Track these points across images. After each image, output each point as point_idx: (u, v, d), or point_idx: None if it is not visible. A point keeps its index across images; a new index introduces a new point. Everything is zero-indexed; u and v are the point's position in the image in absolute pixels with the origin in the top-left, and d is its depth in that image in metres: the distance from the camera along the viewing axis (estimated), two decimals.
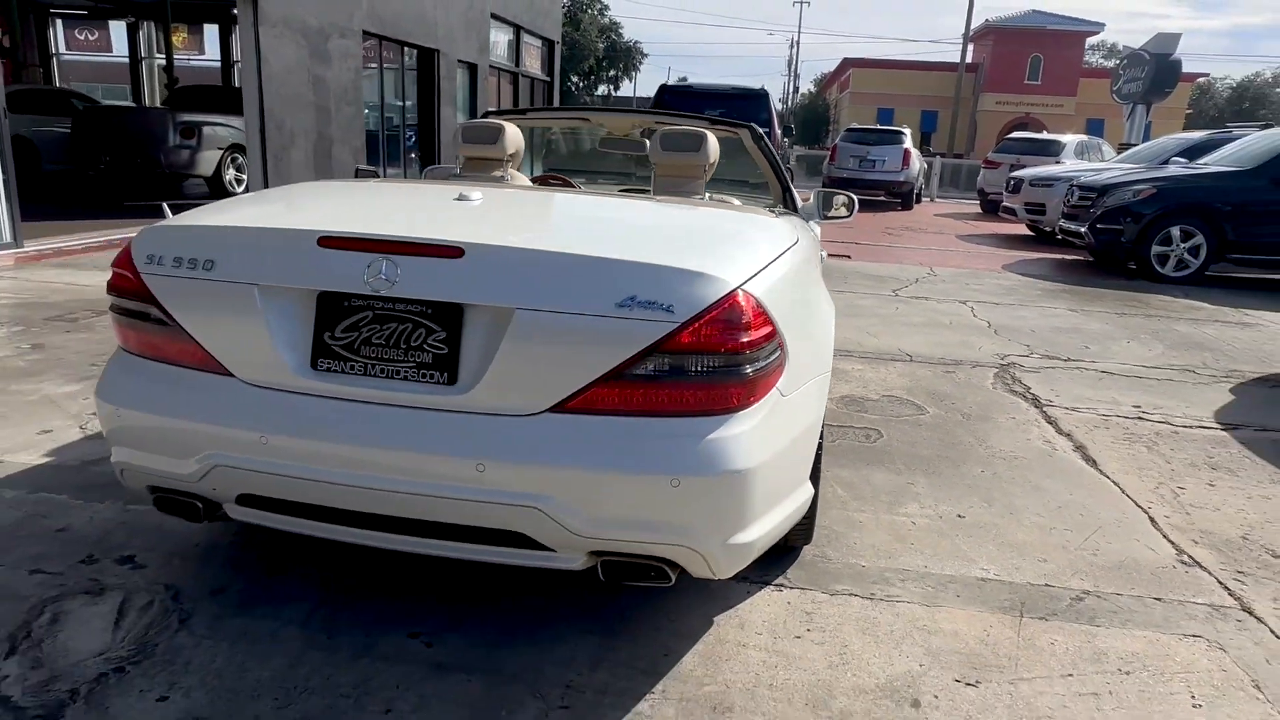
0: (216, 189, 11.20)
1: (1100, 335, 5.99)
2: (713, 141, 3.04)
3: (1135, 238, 8.86)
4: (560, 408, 1.74)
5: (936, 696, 1.94)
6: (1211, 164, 9.38)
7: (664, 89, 11.56)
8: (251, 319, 1.83)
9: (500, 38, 17.55)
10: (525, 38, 19.15)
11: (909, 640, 2.16)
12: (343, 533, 1.91)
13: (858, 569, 2.50)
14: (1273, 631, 2.29)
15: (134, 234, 2.05)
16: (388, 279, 1.76)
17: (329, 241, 1.80)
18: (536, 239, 1.82)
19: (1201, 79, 54.26)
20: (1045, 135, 17.68)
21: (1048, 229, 11.79)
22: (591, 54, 48.82)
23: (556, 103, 23.68)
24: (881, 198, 17.20)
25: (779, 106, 21.44)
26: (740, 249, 1.94)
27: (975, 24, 41.55)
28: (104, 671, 1.87)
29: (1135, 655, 2.14)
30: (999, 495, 3.10)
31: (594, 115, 3.92)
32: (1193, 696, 1.99)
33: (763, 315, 1.79)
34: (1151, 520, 2.96)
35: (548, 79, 22.05)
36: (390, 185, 2.60)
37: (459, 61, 14.84)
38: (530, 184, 3.40)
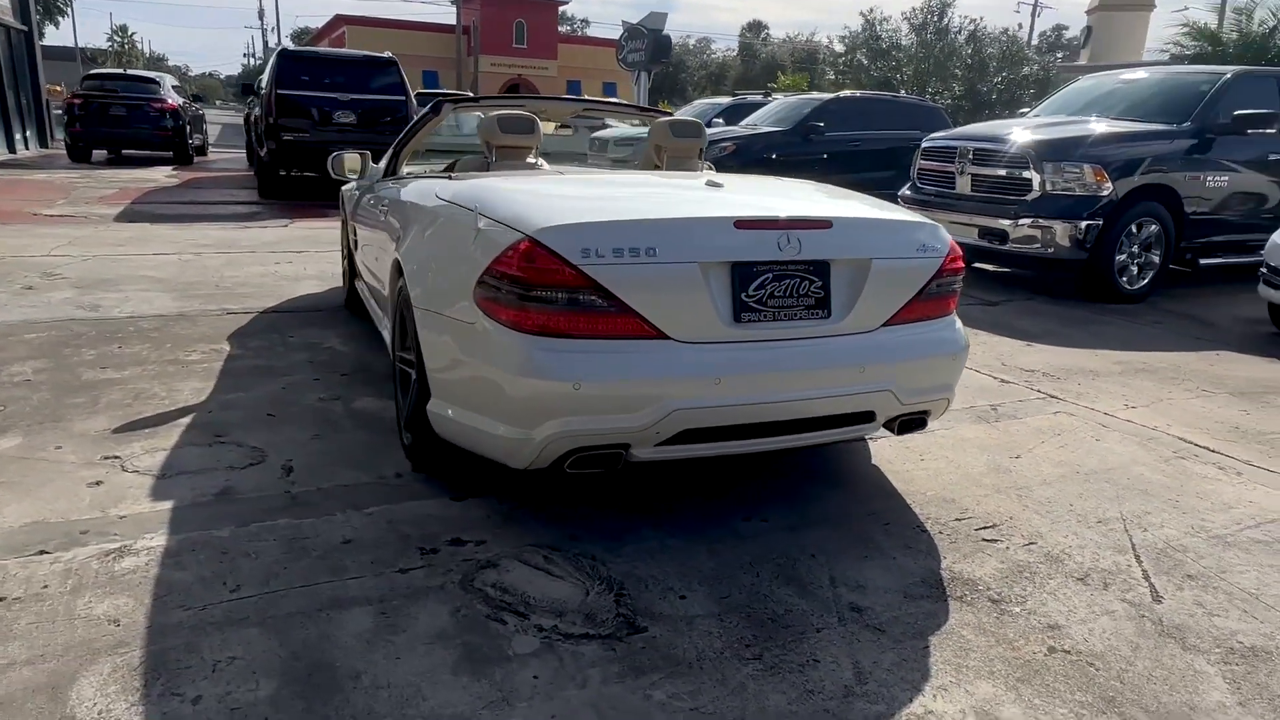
0: None
1: None
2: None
3: None
4: (887, 323, 2.65)
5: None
6: (761, 124, 12.21)
7: (284, 54, 10.94)
8: (695, 290, 2.37)
9: None
10: None
11: None
12: (741, 446, 2.56)
13: None
14: (1086, 407, 4.12)
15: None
16: (791, 246, 2.46)
17: (743, 224, 2.43)
18: (858, 210, 2.69)
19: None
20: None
21: None
22: None
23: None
24: None
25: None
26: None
27: None
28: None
29: (1045, 427, 3.76)
30: None
31: (539, 105, 4.39)
32: (1092, 435, 3.67)
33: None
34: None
35: (23, 28, 18.27)
36: (639, 177, 3.16)
37: None
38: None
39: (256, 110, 11.89)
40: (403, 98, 11.00)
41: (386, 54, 11.46)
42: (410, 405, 2.87)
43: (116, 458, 3.00)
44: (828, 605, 2.27)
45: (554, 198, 2.70)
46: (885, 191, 6.47)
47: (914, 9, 17.76)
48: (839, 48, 21.11)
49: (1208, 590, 2.44)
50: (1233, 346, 5.38)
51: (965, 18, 16.29)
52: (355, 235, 4.59)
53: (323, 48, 17.97)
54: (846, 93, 12.38)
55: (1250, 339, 5.64)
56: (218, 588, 2.21)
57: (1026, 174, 6.57)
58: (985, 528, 2.77)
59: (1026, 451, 3.47)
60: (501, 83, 45.36)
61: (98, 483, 2.80)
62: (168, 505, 2.66)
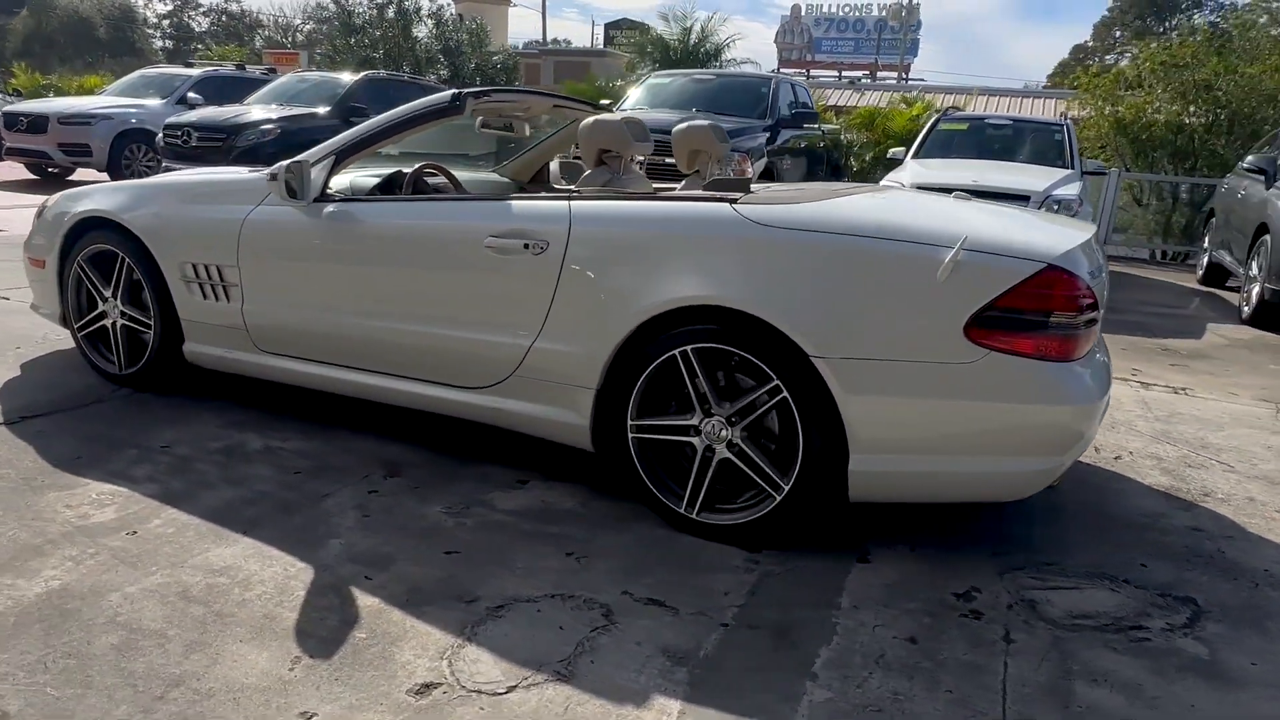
0: None
1: None
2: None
3: None
4: None
5: None
6: (296, 105, 10.75)
7: None
8: None
9: None
10: None
11: None
12: None
13: None
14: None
15: None
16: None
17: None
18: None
19: None
20: None
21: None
22: None
23: None
24: None
25: None
26: None
27: None
28: None
29: None
30: None
31: (527, 100, 3.51)
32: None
33: None
34: None
35: None
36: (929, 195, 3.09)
37: None
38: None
39: None
40: None
41: None
42: (800, 477, 2.41)
43: None
44: None
45: (993, 220, 2.58)
46: None
47: None
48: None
49: None
50: None
51: (432, 1, 16.47)
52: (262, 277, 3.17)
53: None
54: (374, 72, 11.65)
55: None
56: None
57: None
58: None
59: None
60: None
61: None
62: None
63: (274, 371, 3.31)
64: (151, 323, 3.47)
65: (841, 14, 40.94)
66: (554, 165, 4.23)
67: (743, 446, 2.50)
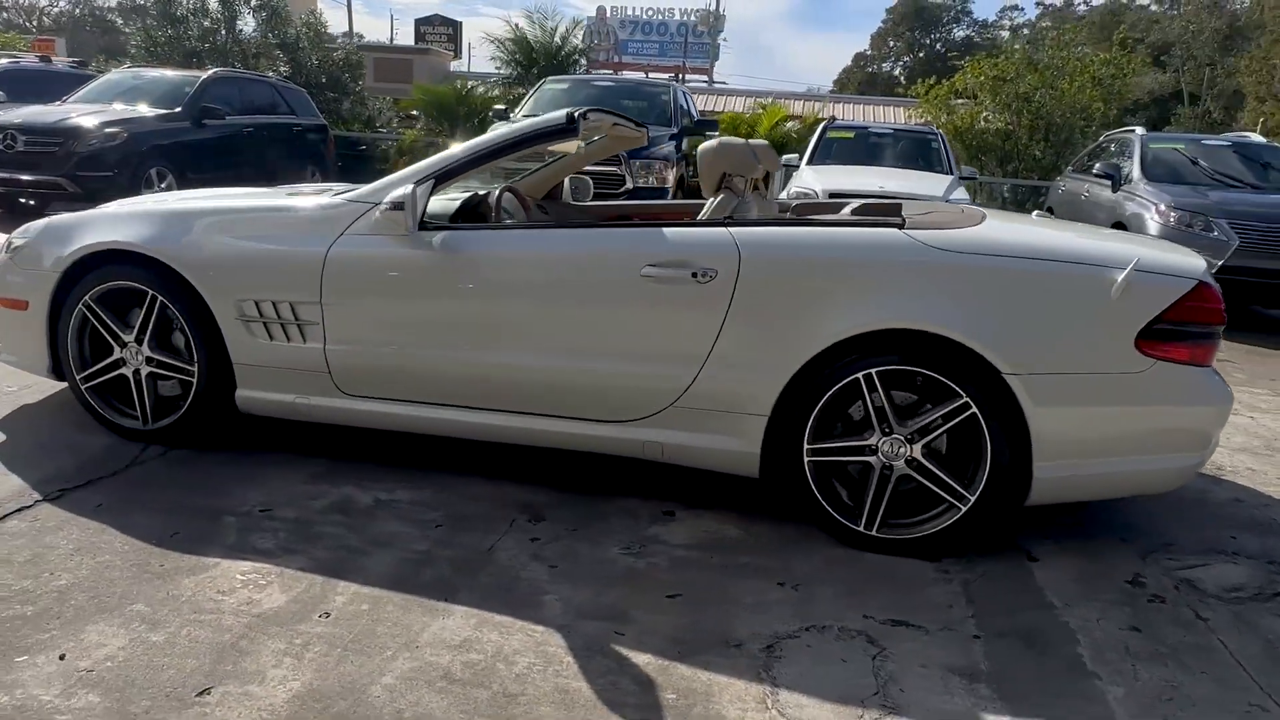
0: None
1: None
2: None
3: (129, 180, 8.74)
4: None
5: None
6: (136, 105, 9.56)
7: None
8: None
9: None
10: None
11: None
12: None
13: None
14: None
15: None
16: None
17: None
18: None
19: None
20: None
21: None
22: None
23: None
24: None
25: None
26: None
27: None
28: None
29: None
30: None
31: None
32: None
33: None
34: None
35: None
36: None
37: None
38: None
39: None
40: None
41: None
42: (984, 486, 2.55)
43: None
44: None
45: (1126, 241, 2.82)
46: (277, 181, 6.20)
47: None
48: None
49: None
50: None
51: None
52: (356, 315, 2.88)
53: None
54: (224, 69, 10.61)
55: None
56: None
57: None
58: None
59: None
60: None
61: None
62: None
63: (358, 416, 3.02)
64: (192, 368, 3.05)
65: (645, 17, 41.97)
66: (565, 182, 4.13)
67: (923, 462, 2.61)
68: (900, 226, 2.67)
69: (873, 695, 2.00)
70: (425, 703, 1.88)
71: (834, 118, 11.41)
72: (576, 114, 2.96)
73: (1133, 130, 8.60)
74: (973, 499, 2.59)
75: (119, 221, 3.15)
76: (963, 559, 2.66)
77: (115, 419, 3.18)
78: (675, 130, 8.36)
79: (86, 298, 3.09)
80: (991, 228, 2.76)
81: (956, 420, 2.57)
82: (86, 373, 3.16)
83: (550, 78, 9.76)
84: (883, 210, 2.89)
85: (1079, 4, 41.46)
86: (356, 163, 13.25)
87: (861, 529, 2.67)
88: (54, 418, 3.35)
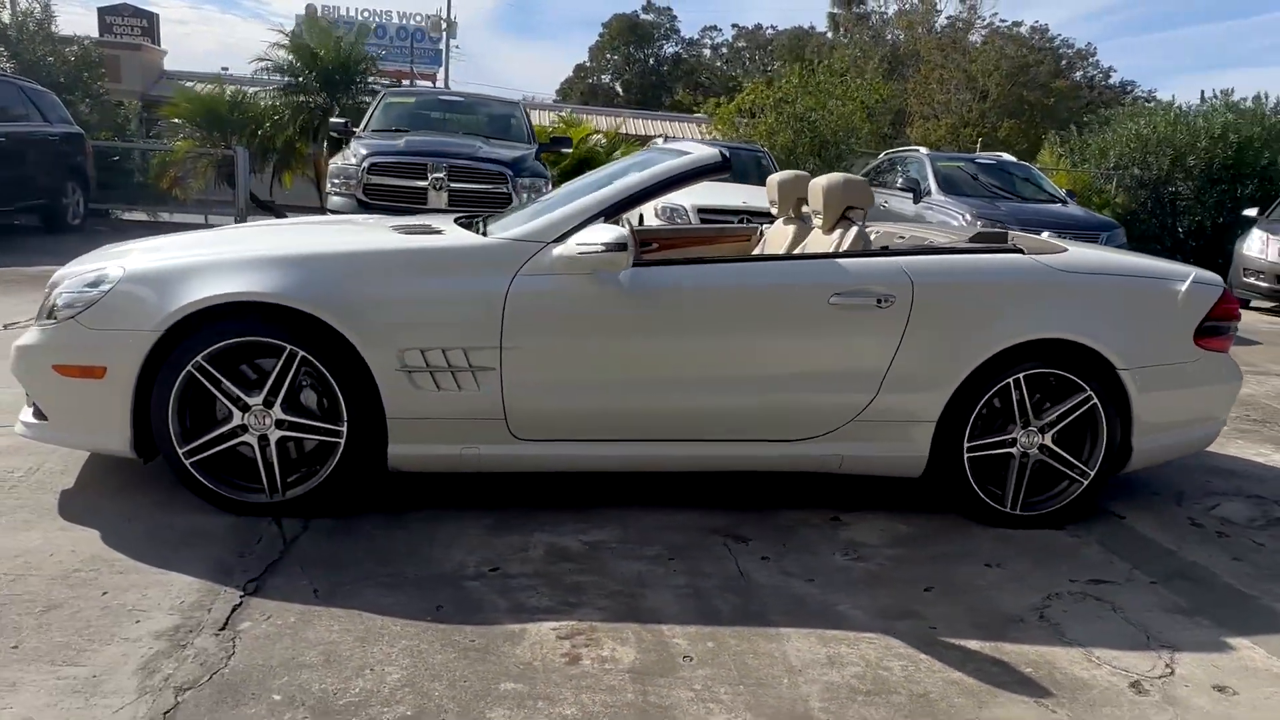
0: None
1: None
2: None
3: None
4: None
5: None
6: None
7: None
8: None
9: None
10: None
11: None
12: None
13: None
14: None
15: None
16: None
17: None
18: None
19: None
20: None
21: None
22: None
23: None
24: None
25: None
26: None
27: None
28: None
29: None
30: None
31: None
32: None
33: None
34: None
35: None
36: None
37: None
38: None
39: None
40: None
41: None
42: (1102, 460, 3.11)
43: None
44: None
45: (1159, 260, 3.52)
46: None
47: None
48: None
49: None
50: None
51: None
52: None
53: None
54: None
55: None
56: None
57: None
58: None
59: None
60: None
61: None
62: None
63: (531, 461, 2.94)
64: (339, 428, 2.77)
65: (361, 19, 40.14)
66: None
67: (1053, 448, 3.13)
68: (1022, 252, 3.17)
69: (1146, 640, 2.44)
70: (869, 715, 2.01)
71: (667, 136, 11.97)
72: (727, 153, 3.11)
73: (916, 149, 10.05)
74: (1093, 474, 3.15)
75: (244, 269, 2.75)
76: (1081, 524, 3.22)
77: (231, 495, 2.78)
78: (536, 148, 8.40)
79: (198, 359, 2.68)
80: (1080, 252, 3.36)
81: (1080, 411, 3.11)
82: (192, 445, 2.74)
83: (391, 90, 9.25)
84: (994, 238, 3.38)
85: (767, 29, 46.01)
86: (113, 176, 11.56)
87: (1008, 509, 3.13)
88: (122, 500, 2.84)
